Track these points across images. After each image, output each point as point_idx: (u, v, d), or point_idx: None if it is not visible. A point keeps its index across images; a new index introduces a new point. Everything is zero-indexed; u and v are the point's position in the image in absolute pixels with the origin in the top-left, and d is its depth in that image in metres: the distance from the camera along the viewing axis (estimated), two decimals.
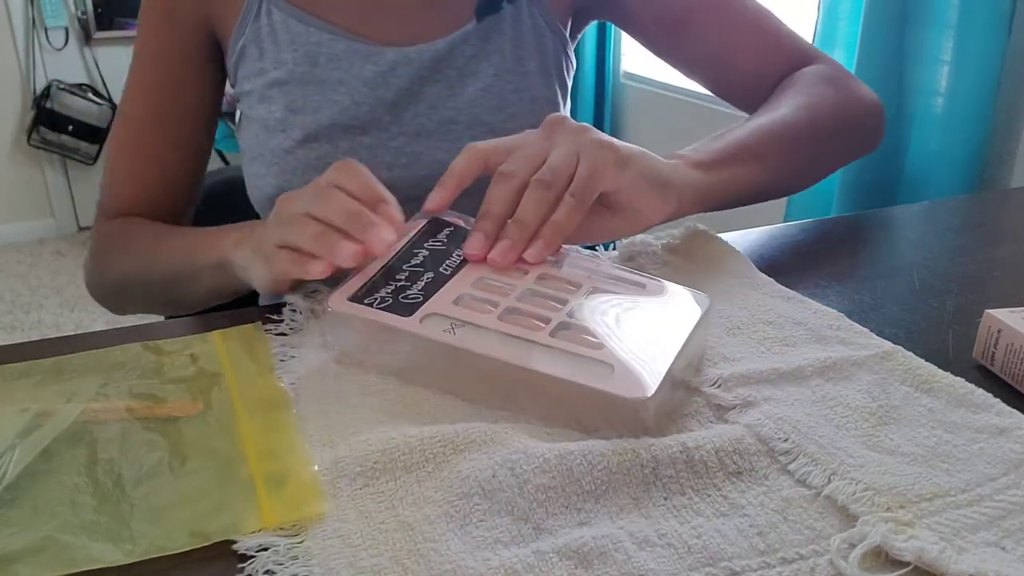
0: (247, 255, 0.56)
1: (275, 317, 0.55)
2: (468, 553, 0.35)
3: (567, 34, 0.82)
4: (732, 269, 0.59)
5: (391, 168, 0.75)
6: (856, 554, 0.34)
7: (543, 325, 0.46)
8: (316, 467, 0.40)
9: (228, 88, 0.81)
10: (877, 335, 0.50)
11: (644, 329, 0.46)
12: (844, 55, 1.62)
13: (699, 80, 0.82)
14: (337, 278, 0.50)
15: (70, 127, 3.35)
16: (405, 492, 0.38)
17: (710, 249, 0.62)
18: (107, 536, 0.36)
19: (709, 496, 0.38)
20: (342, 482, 0.39)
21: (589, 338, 0.45)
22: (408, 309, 0.47)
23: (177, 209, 0.81)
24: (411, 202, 0.56)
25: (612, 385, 0.42)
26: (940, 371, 0.46)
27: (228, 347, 0.52)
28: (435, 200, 0.54)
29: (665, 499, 0.38)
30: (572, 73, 0.84)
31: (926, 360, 0.48)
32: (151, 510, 0.38)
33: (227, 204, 0.86)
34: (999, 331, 0.48)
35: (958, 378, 0.46)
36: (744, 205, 0.67)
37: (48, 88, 3.31)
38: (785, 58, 0.78)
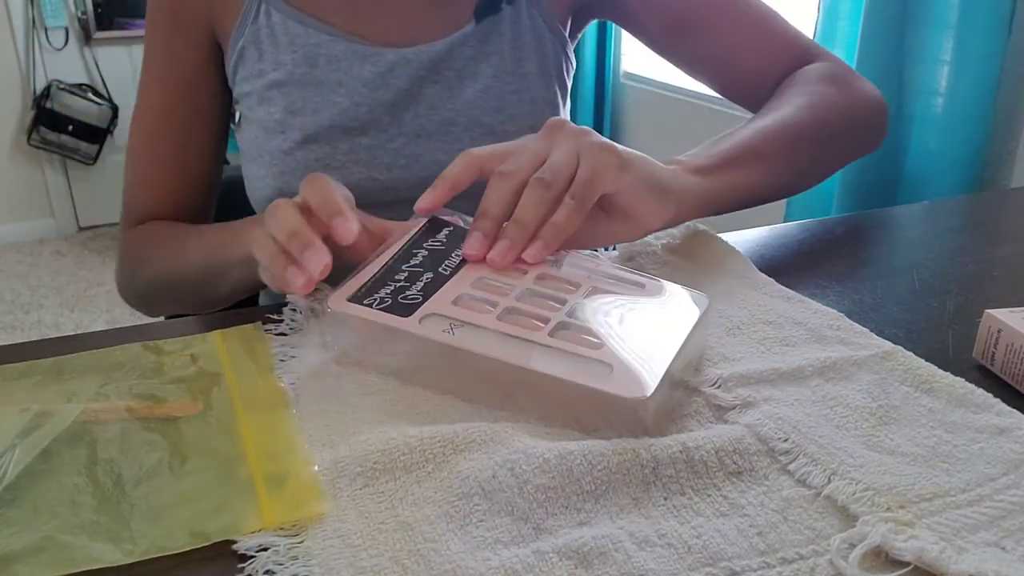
0: None
1: (275, 317, 0.55)
2: (468, 553, 0.35)
3: (567, 34, 0.82)
4: (732, 269, 0.59)
5: (390, 169, 0.75)
6: (856, 554, 0.34)
7: (542, 325, 0.46)
8: (316, 467, 0.40)
9: None
10: (877, 335, 0.50)
11: (643, 329, 0.46)
12: (844, 55, 1.62)
13: (701, 79, 0.82)
14: (338, 277, 0.50)
15: (70, 127, 3.35)
16: (405, 492, 0.38)
17: (710, 249, 0.62)
18: (107, 536, 0.36)
19: (709, 496, 0.38)
20: (342, 482, 0.39)
21: (588, 338, 0.45)
22: (407, 309, 0.47)
23: (198, 210, 0.82)
24: (410, 203, 0.56)
25: (611, 385, 0.42)
26: (940, 371, 0.46)
27: (228, 347, 0.52)
28: (426, 201, 0.54)
29: (665, 499, 0.38)
30: (572, 73, 0.84)
31: (926, 360, 0.48)
32: (151, 510, 0.38)
33: (227, 204, 0.86)
34: (999, 331, 0.48)
35: (958, 378, 0.46)
36: (746, 208, 0.66)
37: (48, 88, 3.31)
38: (788, 56, 0.77)
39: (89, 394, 0.46)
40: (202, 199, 0.82)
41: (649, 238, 0.62)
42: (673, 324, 0.47)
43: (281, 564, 0.35)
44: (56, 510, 0.38)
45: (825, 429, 0.42)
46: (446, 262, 0.51)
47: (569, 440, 0.41)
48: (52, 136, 3.34)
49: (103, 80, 3.44)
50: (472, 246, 0.51)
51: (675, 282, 0.51)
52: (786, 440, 0.41)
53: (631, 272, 0.52)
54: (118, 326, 0.56)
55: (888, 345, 0.49)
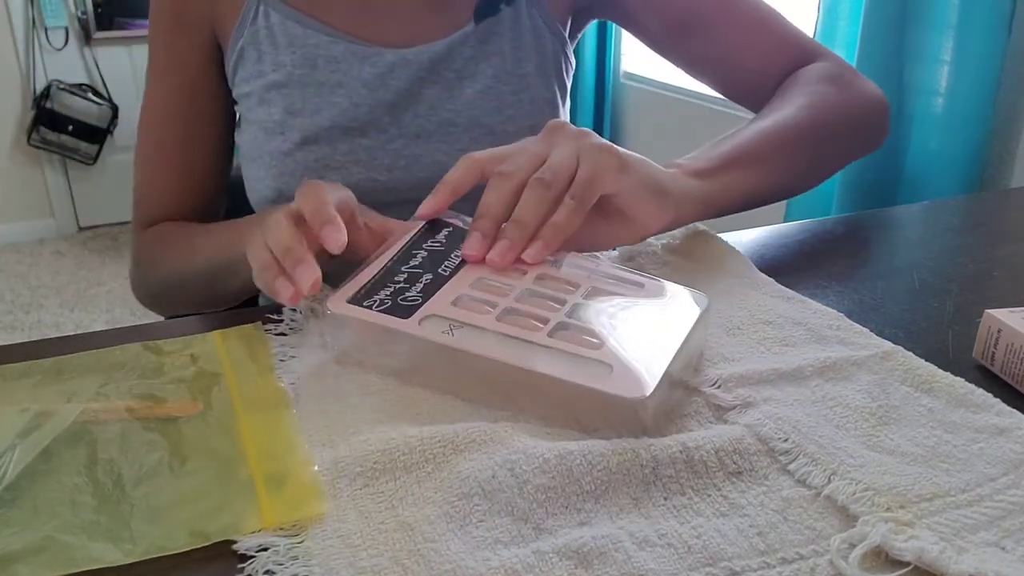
0: None
1: (275, 317, 0.55)
2: (468, 553, 0.35)
3: (566, 34, 0.82)
4: (732, 269, 0.59)
5: (390, 170, 0.75)
6: (856, 554, 0.34)
7: (541, 325, 0.46)
8: (316, 467, 0.40)
9: None
10: (877, 335, 0.50)
11: (643, 329, 0.46)
12: (844, 55, 1.61)
13: (703, 79, 0.82)
14: (339, 275, 0.50)
15: (70, 127, 3.35)
16: (405, 492, 0.38)
17: (710, 249, 0.62)
18: (107, 536, 0.36)
19: (709, 496, 0.38)
20: (342, 482, 0.39)
21: (588, 338, 0.45)
22: (407, 311, 0.47)
23: (206, 209, 0.82)
24: (410, 204, 0.56)
25: (610, 385, 0.42)
26: (940, 371, 0.46)
27: (228, 347, 0.52)
28: (428, 207, 0.54)
29: (665, 499, 0.38)
30: (571, 73, 0.84)
31: (926, 360, 0.48)
32: (151, 510, 0.38)
33: (228, 205, 0.86)
34: (999, 331, 0.48)
35: (958, 378, 0.46)
36: (746, 210, 0.66)
37: (48, 88, 3.31)
38: (790, 56, 0.77)
39: (89, 394, 0.46)
40: (210, 199, 0.82)
41: (649, 238, 0.62)
42: (673, 324, 0.47)
43: (281, 564, 0.35)
44: (56, 510, 0.38)
45: (825, 429, 0.42)
46: (445, 263, 0.51)
47: (569, 440, 0.41)
48: (52, 136, 3.34)
49: (103, 80, 3.44)
50: (471, 246, 0.51)
51: (675, 282, 0.51)
52: (786, 440, 0.41)
53: (631, 272, 0.52)
54: (118, 326, 0.56)
55: (888, 345, 0.49)
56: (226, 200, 0.85)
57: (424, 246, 0.53)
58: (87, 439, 0.43)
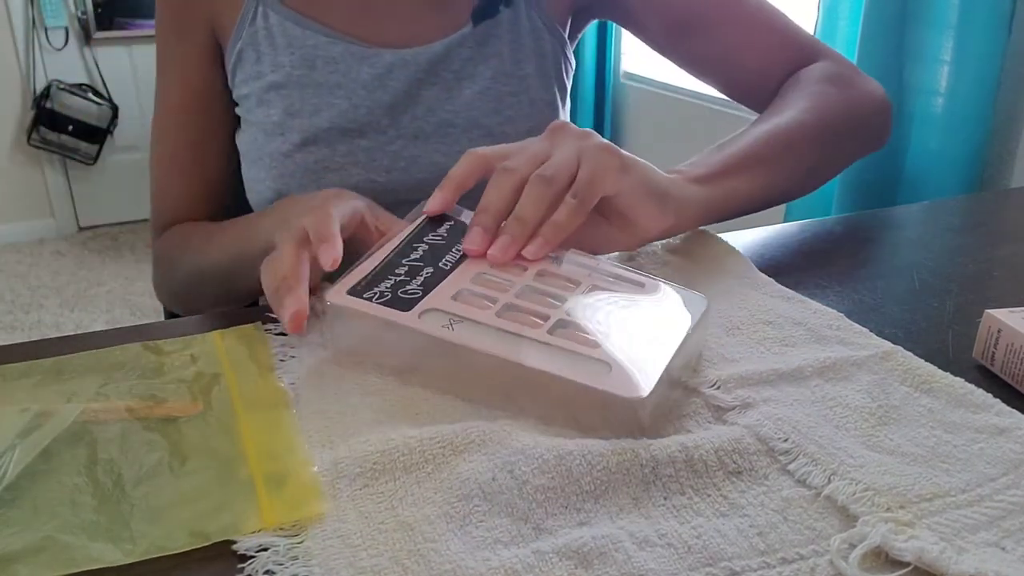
0: None
1: (275, 316, 0.55)
2: (468, 553, 0.35)
3: (566, 35, 0.82)
4: (732, 269, 0.59)
5: (389, 171, 0.75)
6: (856, 554, 0.34)
7: (541, 322, 0.46)
8: (316, 467, 0.40)
9: None
10: (877, 335, 0.50)
11: (642, 328, 0.46)
12: (844, 55, 1.61)
13: (705, 79, 0.81)
14: (343, 271, 0.50)
15: (70, 127, 3.35)
16: (405, 493, 0.38)
17: (710, 249, 0.62)
18: (107, 536, 0.36)
19: (709, 496, 0.38)
20: (342, 483, 0.39)
21: (587, 336, 0.45)
22: (407, 304, 0.47)
23: (222, 211, 0.83)
24: (409, 205, 0.56)
25: (609, 384, 0.42)
26: (940, 371, 0.46)
27: (228, 347, 0.52)
28: (435, 202, 0.54)
29: (665, 499, 0.38)
30: (571, 74, 0.84)
31: (926, 360, 0.48)
32: (151, 510, 0.38)
33: (229, 205, 0.86)
34: (999, 331, 0.48)
35: (958, 378, 0.46)
36: (748, 214, 0.66)
37: (48, 88, 3.31)
38: (792, 55, 0.77)
39: (89, 394, 0.46)
40: (223, 199, 0.83)
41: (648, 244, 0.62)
42: (672, 324, 0.47)
43: (281, 564, 0.35)
44: (56, 510, 0.38)
45: (825, 429, 0.42)
46: (447, 257, 0.51)
47: (568, 440, 0.41)
48: (52, 136, 3.35)
49: (103, 80, 3.44)
50: (472, 241, 0.51)
51: (675, 282, 0.51)
52: (786, 440, 0.41)
53: (631, 271, 0.52)
54: (118, 326, 0.56)
55: (888, 345, 0.49)
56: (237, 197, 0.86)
57: (425, 239, 0.53)
58: (87, 439, 0.43)
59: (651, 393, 0.41)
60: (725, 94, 0.82)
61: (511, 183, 0.51)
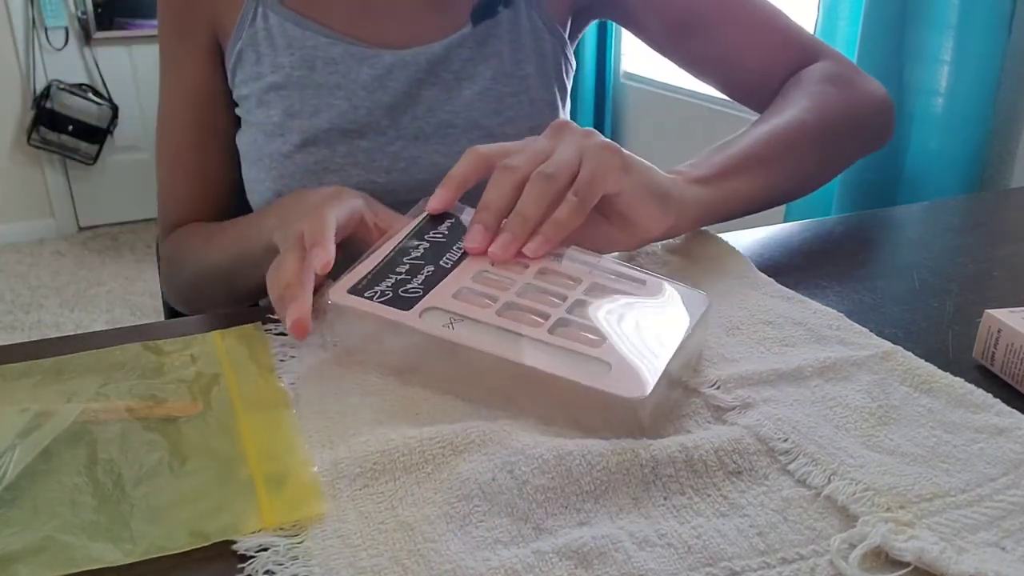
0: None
1: (275, 317, 0.55)
2: (468, 553, 0.35)
3: (566, 35, 0.82)
4: (732, 269, 0.59)
5: (389, 172, 0.75)
6: (856, 554, 0.34)
7: (542, 321, 0.46)
8: (316, 468, 0.40)
9: None
10: (877, 335, 0.50)
11: (643, 327, 0.46)
12: (844, 55, 1.62)
13: (705, 79, 0.81)
14: (344, 269, 0.50)
15: (70, 127, 3.35)
16: (405, 493, 0.38)
17: (710, 249, 0.62)
18: (107, 536, 0.36)
19: (709, 496, 0.38)
20: (342, 483, 0.39)
21: (588, 335, 0.45)
22: (408, 303, 0.47)
23: (227, 211, 0.83)
24: (408, 206, 0.56)
25: (609, 384, 0.42)
26: (940, 371, 0.46)
27: (228, 347, 0.52)
28: (438, 201, 0.54)
29: (665, 499, 0.38)
30: (572, 75, 0.84)
31: (926, 360, 0.48)
32: (151, 510, 0.38)
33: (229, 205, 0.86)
34: (999, 331, 0.48)
35: (957, 378, 0.46)
36: (748, 215, 0.66)
37: (48, 88, 3.31)
38: (792, 54, 0.76)
39: (89, 394, 0.46)
40: (228, 200, 0.83)
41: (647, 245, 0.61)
42: (673, 323, 0.47)
43: (281, 564, 0.35)
44: (56, 510, 0.38)
45: (825, 429, 0.42)
46: (447, 255, 0.51)
47: (568, 440, 0.41)
48: (52, 136, 3.34)
49: (103, 80, 3.44)
50: (473, 239, 0.51)
51: (669, 280, 0.51)
52: (786, 440, 0.41)
53: (632, 268, 0.52)
54: (118, 326, 0.56)
55: (888, 345, 0.49)
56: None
57: (426, 237, 0.53)
58: (87, 439, 0.43)
59: (651, 393, 0.41)
60: (726, 94, 0.82)
61: (512, 181, 0.51)
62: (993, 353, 0.48)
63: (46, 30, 3.30)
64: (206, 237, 0.77)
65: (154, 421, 0.44)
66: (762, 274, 0.58)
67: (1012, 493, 0.38)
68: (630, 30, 0.83)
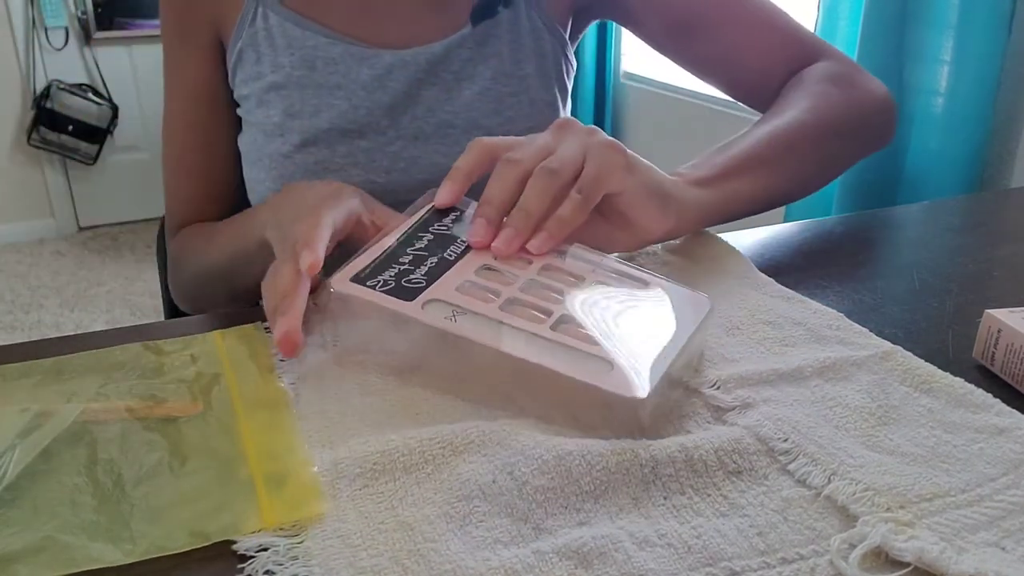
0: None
1: None
2: (468, 553, 0.35)
3: (567, 35, 0.82)
4: (732, 269, 0.59)
5: (389, 172, 0.75)
6: (856, 554, 0.34)
7: (544, 318, 0.46)
8: (316, 468, 0.40)
9: None
10: (877, 335, 0.50)
11: (645, 327, 0.46)
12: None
13: (707, 79, 0.81)
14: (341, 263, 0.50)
15: (70, 127, 3.35)
16: (404, 493, 0.38)
17: (710, 249, 0.62)
18: (107, 536, 0.36)
19: (709, 496, 0.38)
20: (342, 483, 0.39)
21: (589, 333, 0.45)
22: (410, 294, 0.47)
23: (231, 210, 0.83)
24: (408, 206, 0.56)
25: (610, 383, 0.42)
26: (939, 371, 0.46)
27: (228, 347, 0.52)
28: (445, 195, 0.53)
29: (665, 499, 0.38)
30: (572, 75, 0.84)
31: (926, 360, 0.48)
32: (151, 510, 0.38)
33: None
34: (999, 331, 0.48)
35: (957, 378, 0.46)
36: (749, 216, 0.66)
37: (48, 88, 3.31)
38: (793, 54, 0.76)
39: (89, 394, 0.46)
40: (233, 200, 0.83)
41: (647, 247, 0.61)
42: (675, 325, 0.47)
43: (281, 564, 0.35)
44: (56, 510, 0.38)
45: (825, 429, 0.42)
46: (451, 247, 0.51)
47: (568, 441, 0.41)
48: (52, 136, 3.34)
49: (103, 80, 3.44)
50: (476, 233, 0.50)
51: (672, 281, 0.51)
52: (786, 440, 0.41)
53: (635, 268, 0.52)
54: (118, 326, 0.56)
55: (887, 345, 0.49)
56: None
57: (431, 229, 0.52)
58: (87, 439, 0.43)
59: (652, 393, 0.41)
60: (727, 94, 0.82)
61: (515, 175, 0.51)
62: (993, 353, 0.48)
63: (46, 30, 3.30)
64: (205, 237, 0.77)
65: (154, 421, 0.44)
66: (762, 274, 0.58)
67: (1012, 493, 0.38)
68: (630, 30, 0.83)
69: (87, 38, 3.37)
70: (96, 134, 3.41)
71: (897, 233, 0.73)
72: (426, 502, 0.38)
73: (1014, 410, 0.43)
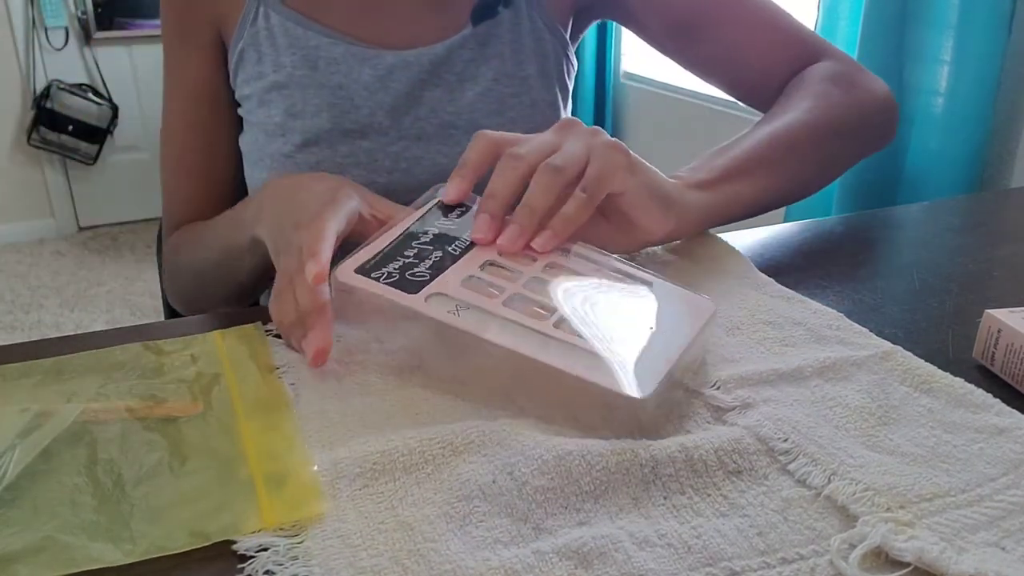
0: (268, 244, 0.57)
1: None
2: (468, 553, 0.35)
3: (567, 36, 0.82)
4: (732, 269, 0.59)
5: (390, 172, 0.75)
6: (856, 554, 0.34)
7: (547, 315, 0.46)
8: (316, 468, 0.40)
9: None
10: (877, 335, 0.50)
11: (647, 328, 0.46)
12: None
13: (707, 79, 0.81)
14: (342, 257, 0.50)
15: (70, 127, 3.35)
16: (404, 493, 0.38)
17: (710, 249, 0.62)
18: (107, 536, 0.36)
19: (709, 496, 0.38)
20: (342, 483, 0.39)
21: (592, 332, 0.45)
22: (414, 287, 0.47)
23: (226, 209, 0.82)
24: (416, 200, 0.56)
25: (611, 382, 0.42)
26: (939, 371, 0.46)
27: (228, 347, 0.52)
28: (453, 191, 0.53)
29: (665, 499, 0.38)
30: (573, 75, 0.84)
31: (926, 360, 0.48)
32: (151, 510, 0.38)
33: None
34: (999, 331, 0.48)
35: (957, 378, 0.46)
36: (750, 217, 0.66)
37: (48, 88, 3.31)
38: (794, 53, 0.76)
39: (89, 394, 0.46)
40: (232, 199, 0.83)
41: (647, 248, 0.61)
42: (678, 326, 0.47)
43: (281, 564, 0.35)
44: (56, 510, 0.38)
45: (825, 429, 0.42)
46: (456, 242, 0.51)
47: (567, 441, 0.41)
48: (52, 136, 3.34)
49: (103, 80, 3.44)
50: (480, 229, 0.50)
51: (676, 283, 0.51)
52: (786, 440, 0.41)
53: (639, 269, 0.52)
54: (118, 326, 0.56)
55: (887, 345, 0.49)
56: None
57: (436, 223, 0.52)
58: (87, 439, 0.43)
59: (653, 393, 0.41)
60: (729, 94, 0.82)
61: (519, 170, 0.51)
62: (993, 353, 0.48)
63: (46, 30, 3.30)
64: (198, 234, 0.77)
65: (154, 421, 0.44)
66: (762, 274, 0.59)
67: (1012, 493, 0.38)
68: (631, 30, 0.83)
69: (87, 38, 3.37)
70: (96, 134, 3.41)
71: (897, 233, 0.73)
72: (426, 502, 0.38)
73: (1014, 410, 0.43)
